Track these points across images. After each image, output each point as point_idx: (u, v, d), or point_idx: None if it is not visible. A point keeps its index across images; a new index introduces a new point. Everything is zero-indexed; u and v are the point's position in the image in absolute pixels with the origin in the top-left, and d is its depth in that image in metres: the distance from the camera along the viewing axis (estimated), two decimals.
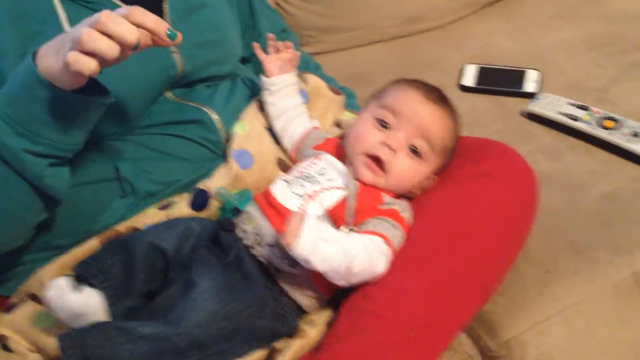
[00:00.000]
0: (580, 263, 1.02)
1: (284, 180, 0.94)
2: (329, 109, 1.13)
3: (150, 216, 0.97)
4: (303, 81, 1.13)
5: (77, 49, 0.73)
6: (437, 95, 0.96)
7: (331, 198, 0.91)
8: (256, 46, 1.09)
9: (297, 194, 0.91)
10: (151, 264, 0.86)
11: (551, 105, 1.27)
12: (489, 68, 1.41)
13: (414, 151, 0.93)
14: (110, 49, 0.73)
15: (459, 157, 0.98)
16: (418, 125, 0.92)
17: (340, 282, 0.85)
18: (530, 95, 1.33)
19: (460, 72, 1.42)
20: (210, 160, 1.03)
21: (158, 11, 1.00)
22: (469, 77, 1.39)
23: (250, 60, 1.27)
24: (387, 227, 0.88)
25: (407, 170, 0.93)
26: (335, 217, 0.90)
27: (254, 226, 0.90)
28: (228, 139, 1.03)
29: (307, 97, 1.11)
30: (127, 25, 0.73)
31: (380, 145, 0.92)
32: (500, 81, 1.38)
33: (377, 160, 0.92)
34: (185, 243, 0.89)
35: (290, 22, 1.48)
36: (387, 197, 0.93)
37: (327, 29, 1.52)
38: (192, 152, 1.02)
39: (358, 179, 0.93)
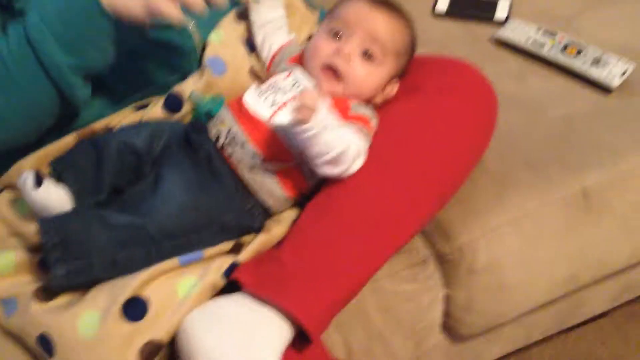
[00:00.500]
0: (533, 177, 1.08)
1: (256, 89, 0.98)
2: (306, 23, 1.16)
3: (125, 116, 1.01)
4: None
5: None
6: (382, 2, 1.00)
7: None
8: None
9: (268, 103, 0.95)
10: (121, 161, 0.90)
11: (519, 31, 1.31)
12: None
13: (367, 55, 0.97)
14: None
15: (423, 72, 1.03)
16: (367, 31, 0.97)
17: (329, 171, 0.88)
18: (500, 23, 1.38)
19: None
20: (187, 70, 1.05)
21: None
22: (442, 3, 1.43)
23: None
24: (357, 130, 0.93)
25: (363, 74, 0.97)
26: None
27: (227, 128, 0.94)
28: (204, 46, 1.07)
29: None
30: None
31: (334, 54, 0.97)
32: (471, 8, 1.42)
33: (333, 70, 0.97)
34: (156, 141, 0.93)
35: None
36: (353, 103, 0.97)
37: None
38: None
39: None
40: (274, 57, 1.07)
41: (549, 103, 1.21)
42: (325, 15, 1.06)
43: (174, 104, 1.00)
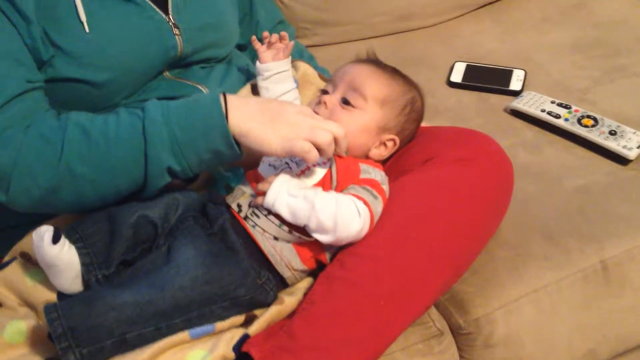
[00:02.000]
0: (550, 249, 1.08)
1: (270, 162, 0.99)
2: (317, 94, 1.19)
3: None
4: (294, 68, 1.18)
5: (309, 140, 0.86)
6: (368, 58, 1.05)
7: (316, 176, 0.96)
8: (253, 38, 1.14)
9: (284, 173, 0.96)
10: (136, 234, 0.90)
11: (534, 103, 1.33)
12: (476, 66, 1.47)
13: (346, 102, 1.00)
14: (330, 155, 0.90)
15: (439, 142, 1.04)
16: (348, 81, 1.01)
17: (323, 238, 0.89)
18: (514, 93, 1.39)
19: (450, 69, 1.47)
20: None
21: None
22: (457, 74, 1.45)
23: (246, 48, 1.33)
24: (367, 194, 0.93)
25: (339, 119, 0.98)
26: (324, 188, 0.94)
27: (249, 199, 0.95)
28: None
29: (297, 83, 1.16)
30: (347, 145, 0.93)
31: (318, 104, 1.01)
32: (486, 79, 1.44)
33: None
34: (172, 213, 0.93)
35: (288, 14, 1.54)
36: (363, 165, 0.97)
37: (322, 22, 1.58)
38: None
39: None
40: None
41: (565, 174, 1.21)
42: None
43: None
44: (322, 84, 1.20)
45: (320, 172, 0.96)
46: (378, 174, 0.98)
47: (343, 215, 0.89)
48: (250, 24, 1.31)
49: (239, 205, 0.95)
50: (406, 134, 1.05)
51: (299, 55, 1.35)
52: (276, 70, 1.10)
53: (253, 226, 0.93)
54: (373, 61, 1.06)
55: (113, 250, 0.89)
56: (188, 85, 1.09)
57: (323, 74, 1.23)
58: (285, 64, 1.11)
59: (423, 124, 1.14)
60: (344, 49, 1.58)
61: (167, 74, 1.09)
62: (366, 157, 1.02)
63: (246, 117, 0.88)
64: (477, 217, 0.97)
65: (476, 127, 1.30)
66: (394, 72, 1.05)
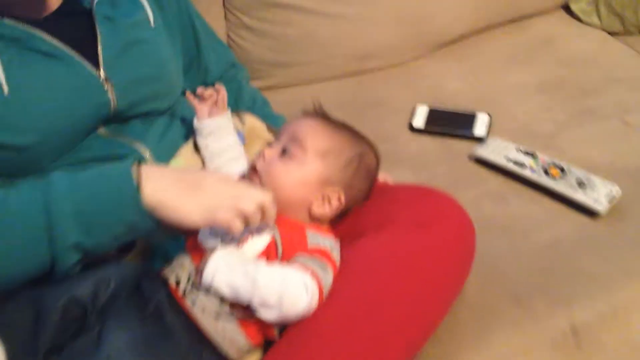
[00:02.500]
0: (517, 312, 1.01)
1: (210, 229, 0.91)
2: None
3: None
4: (240, 121, 1.11)
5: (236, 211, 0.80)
6: (313, 112, 1.00)
7: (259, 245, 0.89)
8: (188, 94, 1.08)
9: (225, 242, 0.89)
10: (64, 318, 0.81)
11: (498, 150, 1.27)
12: (439, 110, 1.41)
13: (285, 153, 0.95)
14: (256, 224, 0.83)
15: (395, 202, 0.98)
16: (290, 133, 0.96)
17: (267, 316, 0.82)
18: (479, 139, 1.34)
19: (412, 113, 1.42)
20: None
21: (93, 49, 0.98)
22: (419, 118, 1.40)
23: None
24: (316, 265, 0.86)
25: (278, 173, 0.93)
26: (268, 259, 0.88)
27: (188, 273, 0.87)
28: None
29: (243, 138, 1.09)
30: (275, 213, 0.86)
31: (257, 157, 0.96)
32: (450, 124, 1.38)
33: (255, 170, 0.95)
34: (102, 290, 0.84)
35: (241, 56, 1.48)
36: (310, 232, 0.91)
37: (277, 63, 1.52)
38: None
39: None
40: None
41: (533, 227, 1.15)
42: None
43: (126, 243, 0.93)
44: (270, 138, 1.13)
45: (263, 241, 0.89)
46: (327, 241, 0.91)
47: (289, 292, 0.82)
48: (198, 70, 1.24)
49: (177, 280, 0.87)
50: (355, 191, 0.98)
51: (251, 101, 1.28)
52: (214, 126, 1.04)
53: (192, 304, 0.85)
54: (320, 114, 1.00)
55: (38, 339, 0.80)
56: (123, 144, 1.01)
57: (274, 126, 1.16)
58: (223, 118, 1.04)
59: (383, 174, 1.08)
60: (300, 92, 1.52)
61: (101, 130, 1.01)
62: (309, 215, 0.95)
63: (161, 187, 0.81)
64: (434, 289, 0.90)
65: (439, 176, 1.26)
66: (341, 126, 0.99)
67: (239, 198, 0.82)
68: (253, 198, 0.83)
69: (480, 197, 1.21)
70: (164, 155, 1.03)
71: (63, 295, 0.82)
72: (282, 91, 1.52)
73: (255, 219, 0.83)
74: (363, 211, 0.99)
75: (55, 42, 0.94)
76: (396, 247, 0.90)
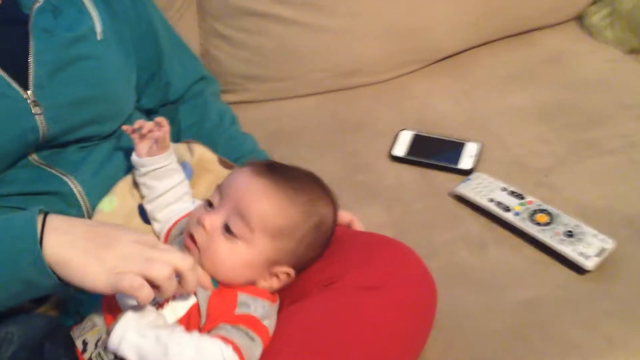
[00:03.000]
0: None
1: None
2: None
3: None
4: (189, 151, 1.02)
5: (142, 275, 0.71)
6: (266, 169, 0.86)
7: (180, 309, 0.80)
8: (124, 127, 0.97)
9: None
10: None
11: (482, 189, 1.16)
12: (424, 136, 1.30)
13: (228, 230, 0.82)
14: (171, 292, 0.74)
15: (344, 260, 0.87)
16: (235, 201, 0.83)
17: None
18: (464, 172, 1.22)
19: (394, 139, 1.30)
20: None
21: (23, 65, 0.89)
22: (401, 146, 1.28)
23: (157, 111, 1.16)
24: (241, 336, 0.77)
25: (220, 252, 0.82)
26: (188, 325, 0.79)
27: (97, 336, 0.79)
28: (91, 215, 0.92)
29: (191, 171, 1.00)
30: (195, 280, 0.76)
31: (196, 224, 0.83)
32: (434, 153, 1.27)
33: (193, 239, 0.83)
34: (2, 351, 0.76)
35: (214, 67, 1.38)
36: (242, 296, 0.82)
37: (253, 77, 1.42)
38: None
39: None
40: (169, 231, 0.93)
41: (510, 282, 1.03)
42: None
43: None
44: (222, 172, 1.03)
45: (185, 305, 0.80)
46: (259, 307, 0.81)
47: None
48: (158, 84, 1.14)
49: (84, 343, 0.79)
50: (308, 259, 0.88)
51: (218, 118, 1.18)
52: (154, 165, 0.93)
53: None
54: (271, 171, 0.86)
55: None
56: (53, 176, 0.92)
57: (240, 148, 1.06)
58: (164, 158, 0.94)
59: (349, 216, 0.99)
60: (276, 108, 1.42)
61: (33, 157, 0.92)
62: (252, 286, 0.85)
63: (66, 243, 0.72)
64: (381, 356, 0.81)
65: (414, 213, 1.16)
66: (296, 189, 0.85)
67: (152, 263, 0.72)
68: (168, 263, 0.73)
69: (456, 242, 1.11)
70: (98, 192, 0.95)
71: None
72: (256, 107, 1.42)
73: (168, 288, 0.73)
74: (308, 267, 0.88)
75: None
76: (338, 314, 0.81)
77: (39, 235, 0.71)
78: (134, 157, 0.94)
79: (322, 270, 0.87)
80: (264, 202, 0.83)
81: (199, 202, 0.96)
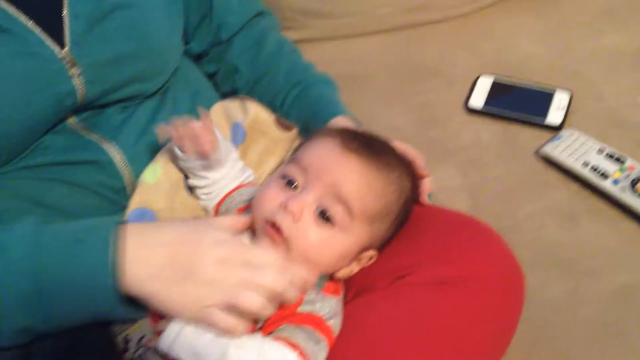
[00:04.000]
0: None
1: None
2: (272, 152, 0.92)
3: None
4: (243, 110, 0.91)
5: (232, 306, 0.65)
6: (360, 143, 0.75)
7: None
8: (160, 128, 0.83)
9: None
10: None
11: (574, 150, 1.03)
12: (506, 83, 1.17)
13: (324, 216, 0.72)
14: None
15: (417, 244, 0.79)
16: (329, 183, 0.73)
17: None
18: (553, 128, 1.09)
19: (471, 86, 1.17)
20: (110, 214, 0.83)
21: (56, 21, 0.79)
22: (480, 96, 1.15)
23: (207, 54, 1.05)
24: (306, 339, 0.70)
25: (314, 242, 0.72)
26: None
27: (140, 334, 0.72)
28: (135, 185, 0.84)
29: (244, 134, 0.90)
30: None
31: (280, 208, 0.73)
32: (517, 104, 1.14)
33: (277, 228, 0.73)
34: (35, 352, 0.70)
35: (273, 2, 1.25)
36: (311, 294, 0.73)
37: (315, 12, 1.29)
38: (83, 204, 0.82)
39: None
40: (218, 207, 0.84)
41: (605, 264, 0.94)
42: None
43: None
44: (280, 136, 0.92)
45: None
46: (326, 305, 0.72)
47: None
48: (210, 26, 1.03)
49: (125, 340, 0.72)
50: (389, 240, 0.79)
51: (277, 45, 1.05)
52: (199, 162, 0.82)
53: None
54: (361, 144, 0.75)
55: None
56: (91, 143, 0.83)
57: (284, 119, 0.94)
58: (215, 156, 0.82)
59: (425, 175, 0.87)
60: (339, 48, 1.30)
61: (70, 120, 0.83)
62: (328, 276, 0.76)
63: (147, 276, 0.66)
64: None
65: (494, 179, 1.05)
66: (387, 164, 0.76)
67: (241, 292, 0.66)
68: (260, 290, 0.66)
69: (542, 214, 1.00)
70: (142, 159, 0.86)
71: None
72: (315, 47, 1.28)
73: (265, 314, 0.67)
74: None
75: (12, 10, 0.75)
76: (412, 315, 0.73)
77: (112, 271, 0.65)
78: (176, 150, 0.82)
79: (392, 257, 0.78)
80: (364, 184, 0.73)
81: (248, 174, 0.86)
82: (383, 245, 0.79)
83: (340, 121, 0.90)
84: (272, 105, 0.98)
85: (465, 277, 0.74)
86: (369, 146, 0.76)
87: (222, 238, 0.70)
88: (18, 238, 0.66)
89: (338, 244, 0.73)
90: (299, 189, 0.74)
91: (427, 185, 0.87)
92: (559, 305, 0.89)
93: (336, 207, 0.72)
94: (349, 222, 0.73)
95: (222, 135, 0.89)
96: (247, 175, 0.86)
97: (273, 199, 0.74)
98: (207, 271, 0.67)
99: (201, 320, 0.66)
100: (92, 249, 0.66)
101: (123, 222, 0.68)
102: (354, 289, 0.78)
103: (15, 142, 0.78)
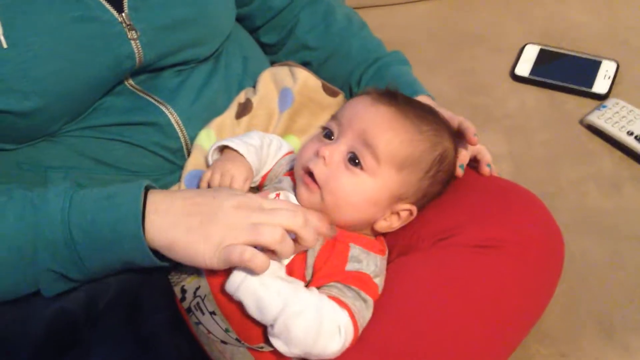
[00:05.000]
0: (606, 349, 0.85)
1: None
2: (319, 117, 0.95)
3: None
4: (291, 75, 0.94)
5: (253, 244, 0.68)
6: (390, 97, 0.79)
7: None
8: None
9: None
10: (49, 333, 0.73)
11: (620, 119, 1.05)
12: (553, 52, 1.18)
13: (353, 161, 0.77)
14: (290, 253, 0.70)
15: (460, 208, 0.81)
16: (359, 130, 0.78)
17: (286, 350, 0.71)
18: (599, 97, 1.11)
19: (518, 54, 1.18)
20: (167, 173, 0.88)
21: None
22: (526, 64, 1.17)
23: (260, 27, 1.08)
24: (354, 297, 0.73)
25: (344, 187, 0.76)
26: (291, 274, 0.75)
27: (195, 285, 0.76)
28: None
29: (292, 99, 0.93)
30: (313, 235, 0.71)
31: (314, 155, 0.78)
32: (564, 72, 1.15)
33: (312, 175, 0.78)
34: (97, 302, 0.75)
35: None
36: (354, 249, 0.77)
37: None
38: (141, 163, 0.87)
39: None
40: (264, 178, 0.88)
41: None
42: None
43: None
44: (326, 101, 0.95)
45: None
46: (372, 262, 0.76)
47: (321, 330, 0.69)
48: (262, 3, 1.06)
49: (182, 290, 0.76)
50: (429, 198, 0.82)
51: (346, 21, 1.06)
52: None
53: (197, 323, 0.75)
54: (394, 99, 0.80)
55: (18, 355, 0.73)
56: (149, 105, 0.88)
57: (331, 85, 0.97)
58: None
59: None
60: (384, 15, 1.31)
61: (129, 82, 0.88)
62: (370, 229, 0.80)
63: (169, 224, 0.70)
64: (499, 330, 0.76)
65: (539, 145, 1.07)
66: (420, 117, 0.79)
67: (260, 229, 0.69)
68: (278, 226, 0.69)
69: (585, 181, 1.02)
70: (196, 122, 0.90)
71: (50, 305, 0.73)
72: (361, 13, 1.28)
73: (284, 250, 0.69)
74: (421, 214, 0.82)
75: None
76: (453, 277, 0.76)
77: (140, 219, 0.69)
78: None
79: (434, 220, 0.81)
80: (391, 130, 0.77)
81: (285, 145, 0.90)
82: (423, 203, 0.81)
83: (422, 100, 0.91)
84: (347, 82, 1.01)
85: (506, 240, 0.77)
86: (401, 101, 0.79)
87: (237, 192, 0.74)
88: (55, 194, 0.71)
89: (367, 188, 0.77)
90: (334, 139, 0.79)
91: (486, 156, 0.89)
92: (598, 268, 0.91)
93: (364, 151, 0.76)
94: (376, 166, 0.76)
95: (271, 99, 0.93)
96: (291, 145, 0.90)
97: (310, 149, 0.79)
98: (225, 216, 0.70)
99: (225, 261, 0.68)
100: (121, 203, 0.70)
101: (150, 186, 0.73)
102: (397, 249, 0.82)
103: (78, 101, 0.82)
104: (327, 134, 0.80)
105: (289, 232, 0.69)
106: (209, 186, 0.82)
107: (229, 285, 0.70)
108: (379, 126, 0.77)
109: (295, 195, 0.80)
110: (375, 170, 0.76)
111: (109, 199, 0.71)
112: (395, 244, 0.82)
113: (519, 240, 0.77)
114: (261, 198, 0.73)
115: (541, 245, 0.79)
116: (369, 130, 0.77)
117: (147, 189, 0.72)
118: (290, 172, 0.85)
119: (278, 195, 0.81)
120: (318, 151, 0.77)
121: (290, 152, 0.89)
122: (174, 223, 0.70)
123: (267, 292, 0.69)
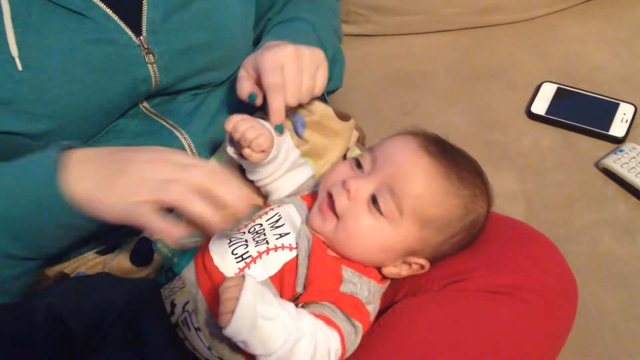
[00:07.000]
0: None
1: (226, 234, 0.78)
2: (334, 142, 0.93)
3: (85, 262, 0.85)
4: (309, 112, 0.94)
5: (156, 201, 0.65)
6: (437, 148, 0.77)
7: (276, 261, 0.75)
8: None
9: (236, 254, 0.76)
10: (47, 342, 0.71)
11: (636, 164, 1.05)
12: (570, 91, 1.18)
13: (375, 205, 0.75)
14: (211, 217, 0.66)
15: (473, 251, 0.80)
16: (391, 174, 0.75)
17: None
18: (615, 140, 1.11)
19: (534, 92, 1.19)
20: None
21: (135, 7, 0.83)
22: (542, 102, 1.17)
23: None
24: (345, 321, 0.73)
25: (361, 224, 0.75)
26: (281, 285, 0.74)
27: (185, 298, 0.75)
28: None
29: (303, 124, 0.91)
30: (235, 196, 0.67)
31: (340, 184, 0.76)
32: (580, 113, 1.15)
33: (332, 202, 0.76)
34: (102, 321, 0.73)
35: None
36: (347, 271, 0.75)
37: (381, 8, 1.30)
38: None
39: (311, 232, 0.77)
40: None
41: None
42: None
43: (142, 256, 0.83)
44: (340, 126, 0.93)
45: (278, 261, 0.75)
46: (365, 287, 0.75)
47: (315, 356, 0.69)
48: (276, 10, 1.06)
49: (172, 304, 0.76)
50: (445, 256, 0.80)
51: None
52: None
53: (183, 339, 0.75)
54: (441, 150, 0.77)
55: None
56: (164, 127, 0.88)
57: (340, 110, 0.96)
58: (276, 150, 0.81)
59: None
60: (402, 44, 1.32)
61: (144, 105, 0.88)
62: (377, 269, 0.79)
63: (85, 174, 0.68)
64: None
65: (552, 187, 1.07)
66: (462, 178, 0.76)
67: (167, 186, 0.66)
68: (186, 182, 0.66)
69: (599, 225, 1.02)
70: (209, 148, 0.90)
71: (51, 314, 0.71)
72: (378, 42, 1.32)
73: (195, 212, 0.65)
74: None
75: (101, 4, 0.79)
76: (463, 322, 0.75)
77: (58, 178, 0.67)
78: (229, 149, 0.82)
79: (446, 261, 0.80)
80: (425, 186, 0.75)
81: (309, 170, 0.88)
82: (437, 259, 0.79)
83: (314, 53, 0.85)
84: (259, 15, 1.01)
85: (520, 287, 0.76)
86: (449, 155, 0.77)
87: (156, 148, 0.71)
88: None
89: (383, 235, 0.75)
90: (365, 173, 0.77)
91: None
92: (611, 318, 0.91)
93: (387, 198, 0.74)
94: (398, 217, 0.74)
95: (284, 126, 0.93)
96: (309, 172, 0.87)
97: (339, 175, 0.78)
98: (136, 169, 0.68)
99: (131, 220, 0.66)
100: (40, 166, 0.69)
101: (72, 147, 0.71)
102: (405, 288, 0.81)
103: (92, 124, 0.83)
104: (358, 164, 0.78)
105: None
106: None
107: (229, 331, 0.66)
108: (414, 178, 0.75)
109: (306, 217, 0.78)
110: (397, 220, 0.75)
111: (31, 164, 0.70)
112: (404, 282, 0.81)
113: (532, 288, 0.77)
114: (179, 154, 0.70)
115: (555, 294, 0.78)
116: (401, 179, 0.75)
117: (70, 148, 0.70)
118: (305, 196, 0.84)
119: (278, 206, 0.81)
120: (345, 182, 0.76)
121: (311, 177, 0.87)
122: (89, 173, 0.68)
123: (272, 324, 0.67)
